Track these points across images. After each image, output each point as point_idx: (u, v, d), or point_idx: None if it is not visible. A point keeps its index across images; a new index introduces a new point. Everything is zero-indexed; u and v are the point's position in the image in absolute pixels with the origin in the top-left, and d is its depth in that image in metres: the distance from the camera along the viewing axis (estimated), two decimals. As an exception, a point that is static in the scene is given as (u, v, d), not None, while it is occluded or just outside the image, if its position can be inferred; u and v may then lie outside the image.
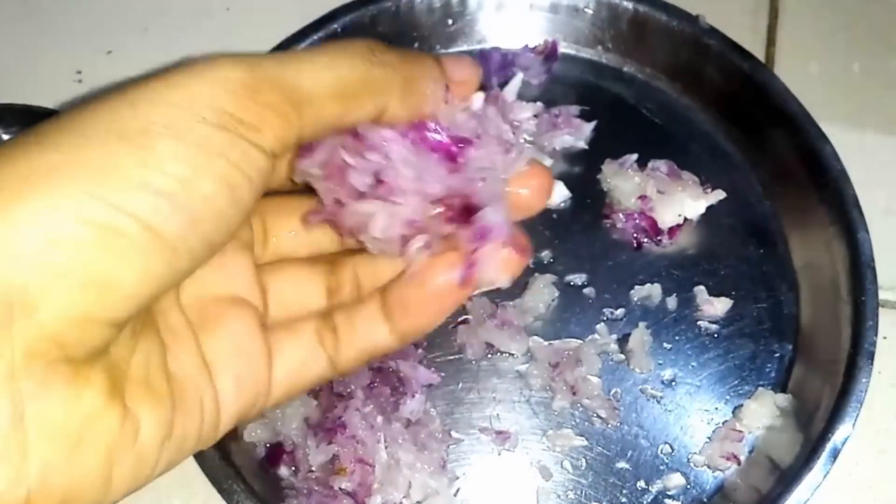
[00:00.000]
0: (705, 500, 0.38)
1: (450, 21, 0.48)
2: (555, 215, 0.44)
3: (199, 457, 0.35)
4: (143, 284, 0.20)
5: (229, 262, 0.26)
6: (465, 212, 0.26)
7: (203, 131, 0.21)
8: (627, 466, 0.39)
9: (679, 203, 0.43)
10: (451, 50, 0.49)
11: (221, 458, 0.36)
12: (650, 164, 0.44)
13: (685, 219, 0.43)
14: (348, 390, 0.38)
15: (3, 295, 0.18)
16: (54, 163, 0.19)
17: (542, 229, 0.44)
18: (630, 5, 0.47)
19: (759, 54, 0.49)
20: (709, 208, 0.43)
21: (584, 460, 0.39)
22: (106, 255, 0.19)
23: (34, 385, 0.19)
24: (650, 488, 0.38)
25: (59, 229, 0.19)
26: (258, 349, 0.26)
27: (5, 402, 0.18)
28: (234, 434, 0.38)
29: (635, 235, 0.44)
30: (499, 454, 0.39)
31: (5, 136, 0.40)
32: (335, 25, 0.46)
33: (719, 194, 0.43)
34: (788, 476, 0.36)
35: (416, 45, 0.48)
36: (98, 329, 0.20)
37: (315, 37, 0.45)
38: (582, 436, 0.39)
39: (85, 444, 0.20)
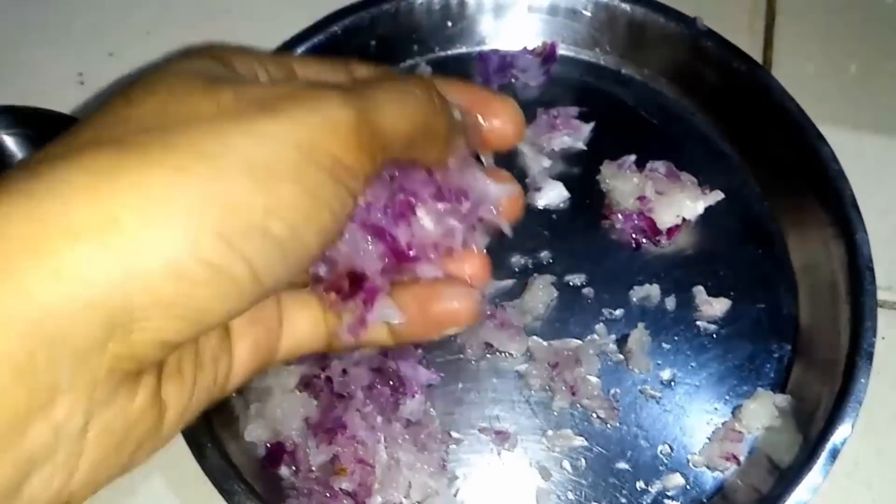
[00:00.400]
0: (705, 500, 0.38)
1: (449, 23, 0.48)
2: (554, 216, 0.45)
3: (200, 457, 0.35)
4: (229, 316, 0.21)
5: None
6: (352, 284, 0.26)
7: (318, 178, 0.21)
8: (627, 467, 0.39)
9: (678, 204, 0.43)
10: (449, 52, 0.49)
11: (221, 457, 0.36)
12: (648, 165, 0.44)
13: (684, 219, 0.43)
14: (348, 390, 0.38)
15: (110, 317, 0.18)
16: (180, 186, 0.19)
17: (541, 230, 0.44)
18: (628, 7, 0.47)
19: (757, 56, 0.49)
20: (707, 209, 0.43)
21: (583, 460, 0.39)
22: (210, 292, 0.20)
23: (105, 395, 0.19)
24: (650, 489, 0.38)
25: (177, 263, 0.19)
26: (275, 315, 0.26)
27: (81, 415, 0.19)
28: (234, 434, 0.38)
29: (634, 236, 0.44)
30: (498, 454, 0.39)
31: (7, 138, 0.40)
32: (335, 28, 0.46)
33: (718, 195, 0.43)
34: (788, 476, 0.36)
35: (415, 47, 0.48)
36: (174, 348, 0.20)
37: (315, 39, 0.45)
38: (581, 436, 0.39)
39: (127, 442, 0.20)
